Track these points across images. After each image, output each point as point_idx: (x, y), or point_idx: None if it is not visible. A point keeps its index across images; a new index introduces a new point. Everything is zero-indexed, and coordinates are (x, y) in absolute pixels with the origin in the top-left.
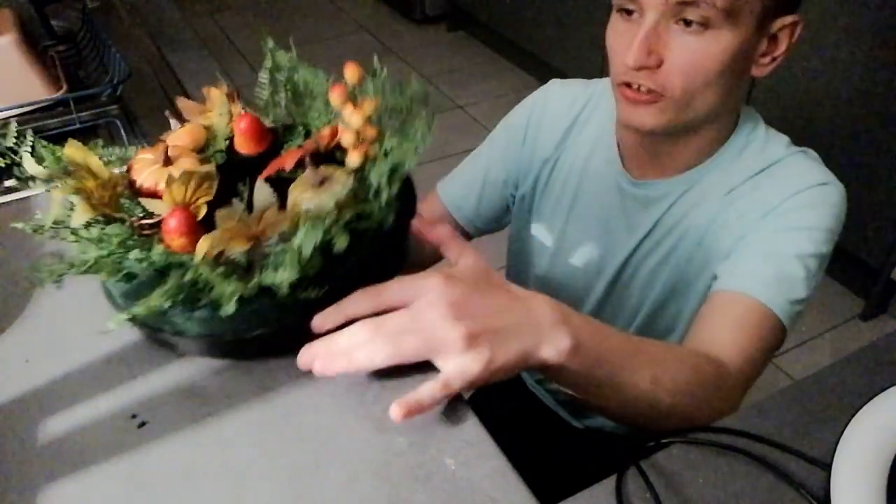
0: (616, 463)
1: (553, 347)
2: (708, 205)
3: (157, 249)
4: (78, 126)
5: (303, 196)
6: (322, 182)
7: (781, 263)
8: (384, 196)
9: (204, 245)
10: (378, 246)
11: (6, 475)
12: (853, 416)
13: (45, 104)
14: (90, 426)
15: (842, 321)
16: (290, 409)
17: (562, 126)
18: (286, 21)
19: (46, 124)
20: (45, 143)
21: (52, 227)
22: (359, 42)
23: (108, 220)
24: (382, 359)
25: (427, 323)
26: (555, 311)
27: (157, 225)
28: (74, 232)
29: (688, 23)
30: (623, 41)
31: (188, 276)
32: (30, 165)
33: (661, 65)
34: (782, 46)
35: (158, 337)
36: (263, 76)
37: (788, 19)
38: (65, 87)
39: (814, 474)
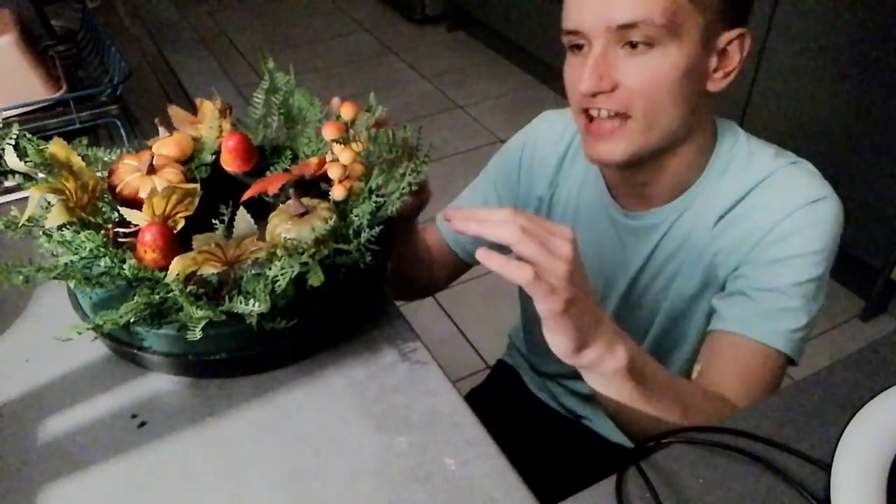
0: (616, 463)
1: (611, 353)
2: (702, 230)
3: (129, 262)
4: (78, 126)
5: (283, 226)
6: (303, 214)
7: (778, 297)
8: (363, 236)
9: (177, 266)
10: (352, 282)
11: (6, 475)
12: (853, 416)
13: (45, 104)
14: (90, 426)
15: (842, 321)
16: (290, 409)
17: (552, 162)
18: (286, 21)
19: (46, 124)
20: (29, 136)
21: (24, 226)
22: (359, 42)
23: (84, 225)
24: (520, 280)
25: (553, 268)
26: (613, 325)
27: (133, 235)
28: (47, 233)
29: (633, 45)
30: (576, 73)
31: (157, 295)
32: (11, 160)
33: (615, 89)
34: (734, 60)
35: (122, 350)
36: (258, 96)
37: (734, 33)
38: (65, 87)
39: (814, 474)
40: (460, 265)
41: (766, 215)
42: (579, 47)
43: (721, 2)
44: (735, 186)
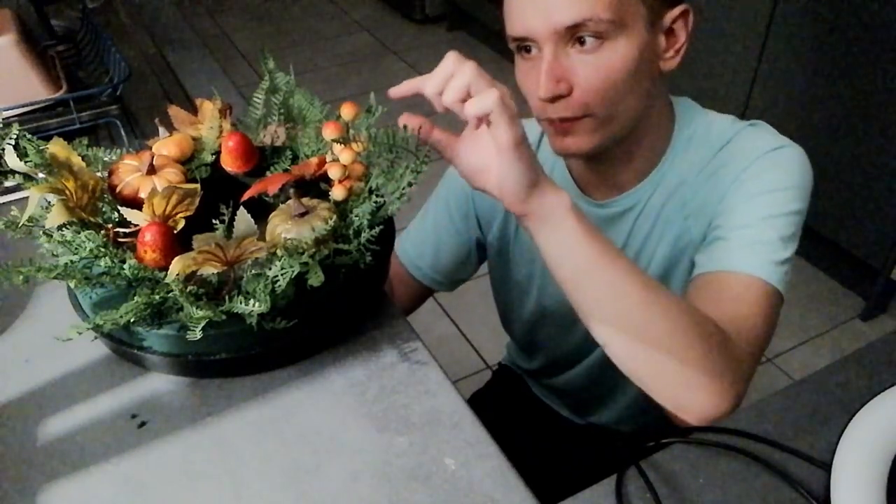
0: (616, 463)
1: (556, 193)
2: (674, 202)
3: (129, 262)
4: (78, 126)
5: (283, 226)
6: (304, 214)
7: (752, 231)
8: (363, 236)
9: (177, 266)
10: (352, 282)
11: (6, 475)
12: (853, 416)
13: (45, 104)
14: (90, 426)
15: (842, 321)
16: (290, 409)
17: None
18: (286, 21)
19: (46, 124)
20: (29, 136)
21: (24, 226)
22: (359, 42)
23: (84, 225)
24: (489, 105)
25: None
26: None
27: (133, 235)
28: (47, 233)
29: (582, 42)
30: (530, 79)
31: (157, 295)
32: (11, 160)
33: (572, 91)
34: (682, 37)
35: (122, 350)
36: (258, 96)
37: (677, 10)
38: (65, 87)
39: (814, 474)
40: (423, 292)
41: (731, 168)
42: (527, 49)
43: None
44: (700, 155)
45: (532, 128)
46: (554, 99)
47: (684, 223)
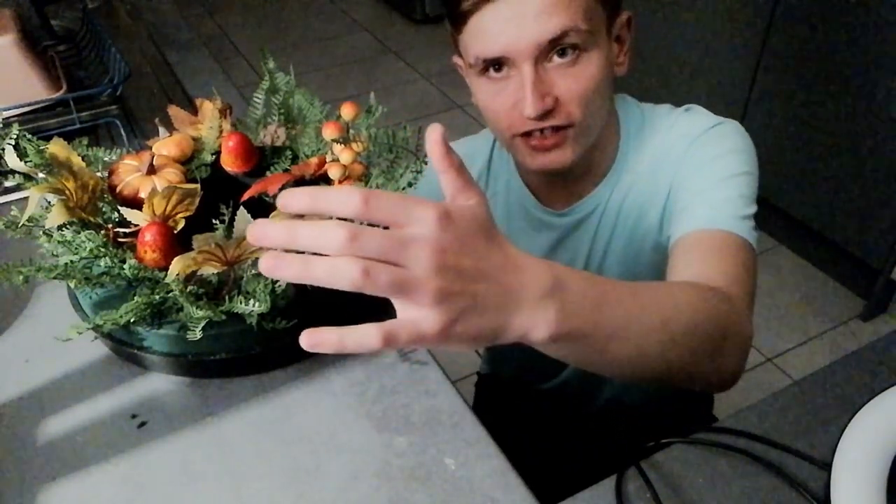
0: (616, 463)
1: (535, 322)
2: (631, 199)
3: (129, 262)
4: (78, 126)
5: None
6: (303, 214)
7: (713, 192)
8: None
9: (177, 266)
10: None
11: (6, 475)
12: (853, 416)
13: (45, 104)
14: (90, 426)
15: (842, 321)
16: (290, 409)
17: None
18: (286, 21)
19: (46, 124)
20: (29, 136)
21: (24, 226)
22: (359, 42)
23: (84, 225)
24: (343, 283)
25: (408, 260)
26: (547, 279)
27: (133, 235)
28: (47, 233)
29: (562, 55)
30: (504, 99)
31: (157, 295)
32: (11, 160)
33: (556, 102)
34: (626, 43)
35: (122, 350)
36: (258, 96)
37: (624, 17)
38: (65, 87)
39: (814, 474)
40: None
41: (675, 151)
42: (497, 68)
43: None
44: (648, 146)
45: (480, 144)
46: (541, 116)
47: (639, 212)
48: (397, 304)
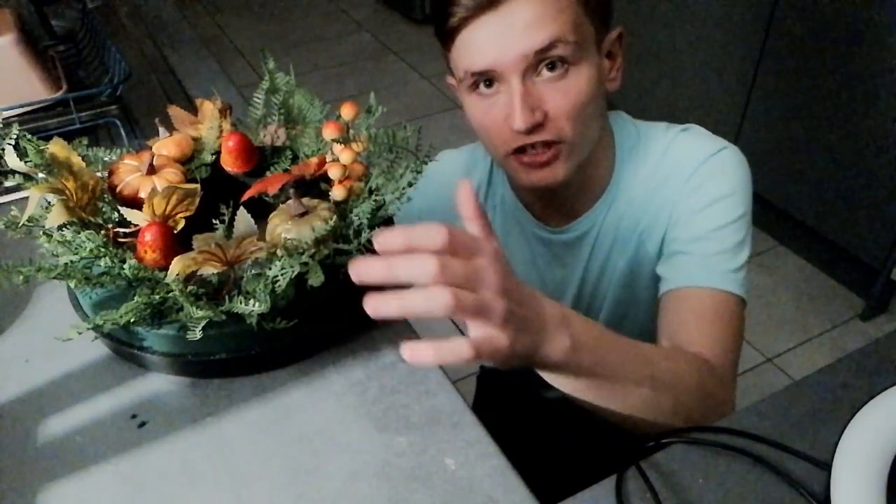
0: (616, 463)
1: (554, 346)
2: (627, 221)
3: (129, 262)
4: (78, 126)
5: (283, 226)
6: (304, 214)
7: (708, 243)
8: (363, 236)
9: (177, 266)
10: (352, 282)
11: (6, 475)
12: (853, 416)
13: (45, 104)
14: (90, 426)
15: (842, 321)
16: (290, 409)
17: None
18: (286, 21)
19: (46, 124)
20: (29, 136)
21: (24, 226)
22: (359, 42)
23: (84, 225)
24: (439, 309)
25: (482, 284)
26: (558, 312)
27: (133, 235)
28: (47, 233)
29: (551, 68)
30: (494, 114)
31: (157, 295)
32: (11, 160)
33: (546, 118)
34: (618, 58)
35: (122, 350)
36: (258, 96)
37: (615, 33)
38: (65, 87)
39: (814, 474)
40: None
41: (674, 181)
42: (488, 84)
43: (600, 7)
44: (643, 169)
45: (481, 154)
46: (530, 130)
47: (639, 240)
48: (470, 324)
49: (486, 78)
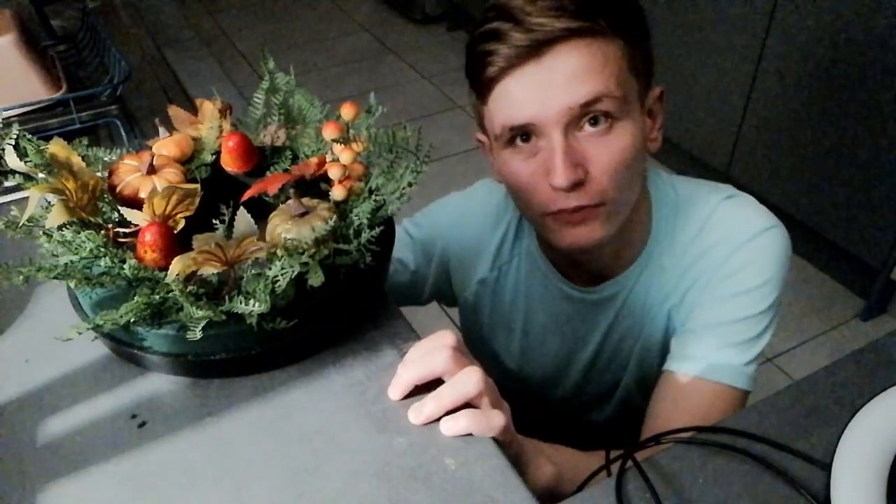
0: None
1: (503, 424)
2: (657, 290)
3: (129, 262)
4: (78, 126)
5: (283, 226)
6: (304, 214)
7: (726, 334)
8: (363, 236)
9: (177, 266)
10: (353, 283)
11: (6, 475)
12: (853, 416)
13: (45, 104)
14: (90, 426)
15: (842, 321)
16: (290, 409)
17: (492, 246)
18: (286, 21)
19: (46, 124)
20: (29, 136)
21: (24, 226)
22: (359, 42)
23: (84, 225)
24: (470, 392)
25: (485, 384)
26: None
27: (133, 235)
28: (47, 233)
29: (594, 123)
30: (533, 170)
31: (157, 295)
32: (11, 160)
33: (587, 177)
34: (659, 118)
35: (122, 350)
36: (258, 96)
37: (657, 91)
38: (65, 87)
39: (814, 474)
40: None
41: (713, 258)
42: (525, 138)
43: (643, 63)
44: (682, 236)
45: (511, 202)
46: (571, 187)
47: (668, 315)
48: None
49: (524, 132)
